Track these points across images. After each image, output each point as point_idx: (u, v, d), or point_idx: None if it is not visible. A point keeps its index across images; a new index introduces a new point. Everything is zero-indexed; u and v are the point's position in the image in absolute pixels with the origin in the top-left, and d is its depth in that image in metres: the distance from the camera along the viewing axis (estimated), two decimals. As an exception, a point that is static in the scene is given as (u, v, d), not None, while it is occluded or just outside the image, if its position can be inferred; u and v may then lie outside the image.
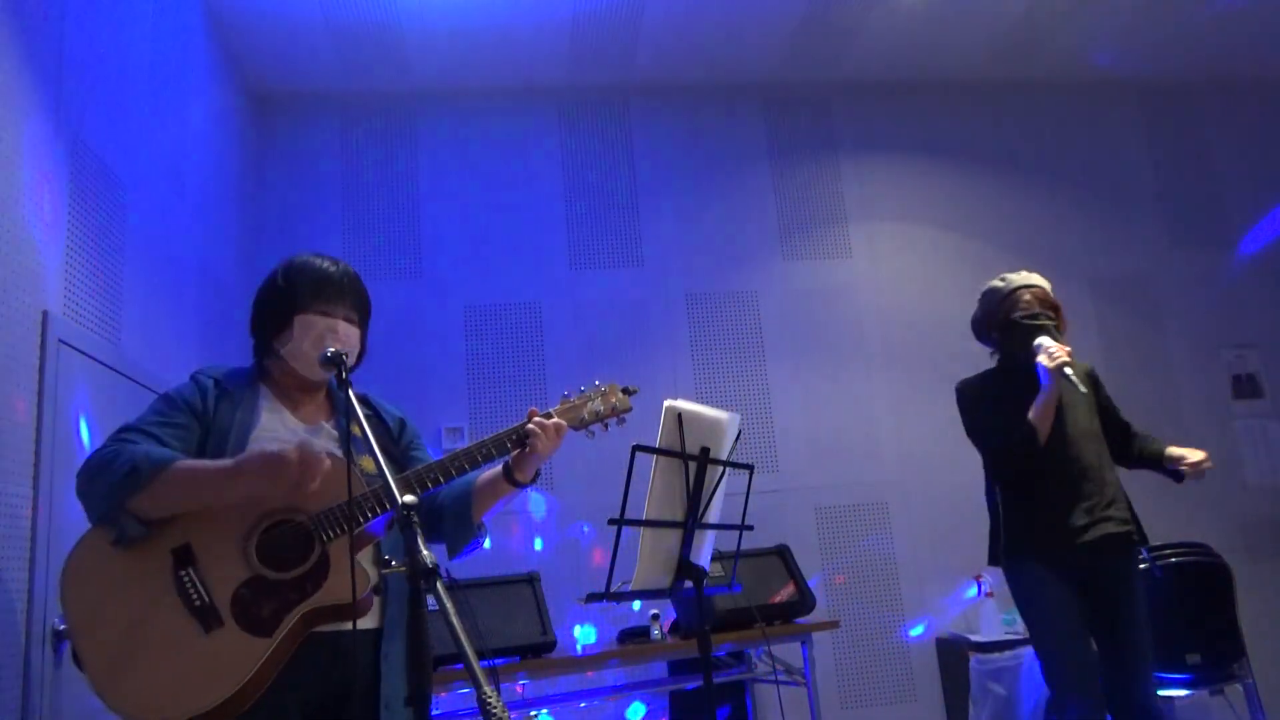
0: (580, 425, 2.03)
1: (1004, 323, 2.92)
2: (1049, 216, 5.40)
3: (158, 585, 1.73)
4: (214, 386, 1.93)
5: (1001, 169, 5.43)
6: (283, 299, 1.95)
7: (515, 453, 1.98)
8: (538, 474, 2.05)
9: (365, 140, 4.93)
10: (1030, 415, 2.77)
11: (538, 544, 4.55)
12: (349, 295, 1.99)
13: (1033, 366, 2.81)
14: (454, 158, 4.98)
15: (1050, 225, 5.38)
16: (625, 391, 2.08)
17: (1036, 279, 2.98)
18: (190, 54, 3.86)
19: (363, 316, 2.03)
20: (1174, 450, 2.86)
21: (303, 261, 1.99)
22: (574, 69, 4.96)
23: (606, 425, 2.07)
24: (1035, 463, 2.78)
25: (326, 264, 1.99)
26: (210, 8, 4.12)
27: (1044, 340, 2.79)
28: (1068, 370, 2.69)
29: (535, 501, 4.57)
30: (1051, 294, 2.97)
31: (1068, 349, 2.77)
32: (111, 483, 1.70)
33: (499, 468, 2.02)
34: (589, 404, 2.05)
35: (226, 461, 1.75)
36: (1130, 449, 2.98)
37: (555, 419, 1.98)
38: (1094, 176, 5.51)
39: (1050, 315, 2.89)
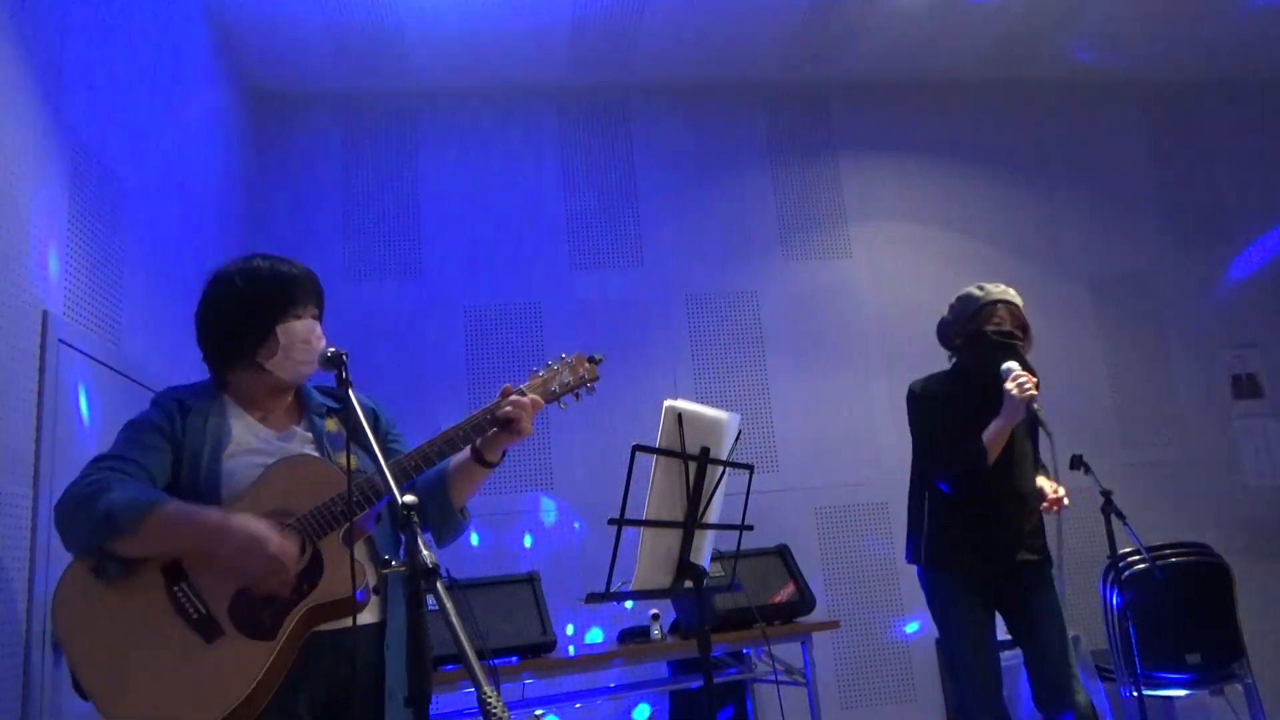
0: (551, 398, 2.05)
1: (974, 333, 2.90)
2: (1049, 216, 5.40)
3: (153, 604, 1.72)
4: (178, 407, 1.89)
5: (1001, 169, 5.43)
6: (258, 310, 1.91)
7: (491, 433, 1.97)
8: (504, 454, 2.04)
9: (365, 140, 4.93)
10: (985, 436, 2.78)
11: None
12: (313, 294, 1.99)
13: (991, 382, 2.80)
14: (454, 157, 4.97)
15: (1050, 225, 5.38)
16: (591, 360, 2.10)
17: (1013, 294, 2.95)
18: (190, 54, 3.86)
19: (321, 310, 2.03)
20: (1041, 482, 2.90)
21: (255, 267, 1.95)
22: (574, 69, 4.96)
23: (578, 395, 2.09)
24: (976, 482, 2.82)
25: (285, 266, 1.97)
26: (210, 8, 4.12)
27: (1014, 366, 2.77)
28: (1036, 405, 2.71)
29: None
30: (1023, 314, 2.95)
31: (1035, 379, 2.76)
32: (87, 527, 1.70)
33: (468, 452, 2.01)
34: (557, 377, 2.07)
35: (213, 516, 1.72)
36: None
37: (530, 395, 1.99)
38: (1094, 176, 5.51)
39: (1020, 336, 2.89)
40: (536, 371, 2.08)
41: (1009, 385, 2.74)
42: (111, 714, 1.64)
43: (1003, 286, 2.97)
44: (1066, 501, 2.80)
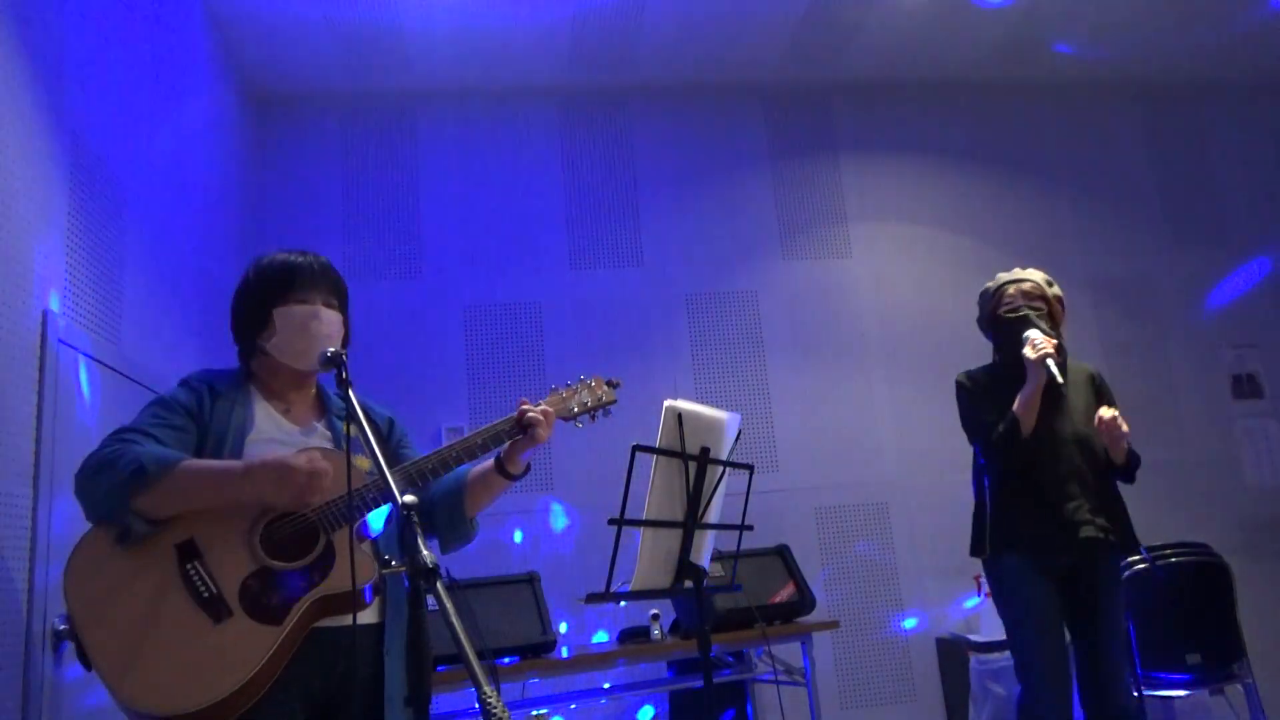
0: (569, 416, 2.13)
1: (993, 320, 2.99)
2: (1049, 217, 5.40)
3: (164, 579, 1.73)
4: (208, 391, 1.93)
5: (1001, 169, 5.43)
6: (258, 296, 1.97)
7: (509, 444, 2.03)
8: (528, 467, 2.09)
9: (365, 140, 4.93)
10: (1015, 407, 2.79)
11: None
12: (322, 281, 2.01)
13: (1022, 360, 2.82)
14: (454, 158, 4.97)
15: (1050, 226, 5.38)
16: (609, 384, 2.19)
17: (1028, 274, 3.01)
18: (190, 54, 3.86)
19: (341, 301, 2.05)
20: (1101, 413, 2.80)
21: (270, 257, 2.02)
22: (574, 69, 4.96)
23: (594, 416, 2.17)
24: (1021, 456, 2.80)
25: (294, 255, 2.01)
26: (210, 8, 4.12)
27: (1031, 333, 2.81)
28: (1049, 362, 2.71)
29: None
30: (1044, 286, 2.98)
31: (1054, 341, 2.79)
32: (115, 481, 1.71)
33: (490, 462, 2.06)
34: (576, 396, 2.14)
35: (236, 463, 1.77)
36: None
37: (544, 406, 2.06)
38: (1094, 176, 5.51)
39: (1037, 306, 2.91)
40: (557, 389, 2.15)
41: (1025, 349, 2.78)
42: (116, 686, 1.65)
43: (1019, 270, 3.04)
44: (1117, 423, 2.71)
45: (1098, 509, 2.79)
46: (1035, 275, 3.01)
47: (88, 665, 1.69)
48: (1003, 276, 3.03)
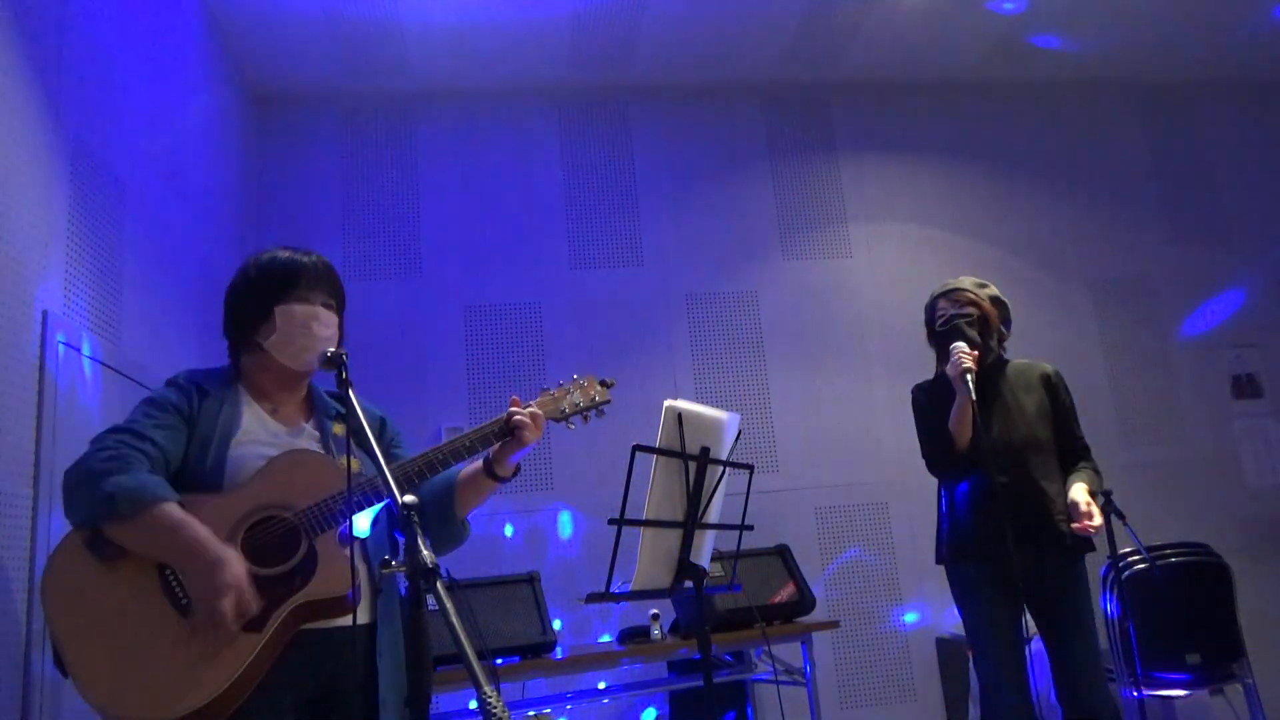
0: (560, 417, 2.10)
1: (932, 335, 3.04)
2: (1049, 217, 5.40)
3: (142, 585, 1.71)
4: (196, 391, 1.91)
5: (1001, 169, 5.43)
6: (259, 292, 1.95)
7: (497, 446, 2.01)
8: (518, 469, 2.07)
9: (365, 140, 4.93)
10: (949, 423, 2.83)
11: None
12: (323, 282, 1.99)
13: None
14: (454, 157, 4.97)
15: (1050, 225, 5.38)
16: (603, 384, 2.16)
17: (958, 282, 3.02)
18: (189, 53, 3.86)
19: (339, 304, 2.04)
20: (1075, 497, 2.74)
21: (272, 255, 2.00)
22: (574, 69, 4.96)
23: (586, 417, 2.14)
24: (958, 468, 2.85)
25: (298, 254, 2.00)
26: (210, 7, 4.12)
27: (956, 345, 2.83)
28: (968, 378, 2.72)
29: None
30: (975, 290, 2.98)
31: (974, 354, 2.79)
32: (88, 503, 1.70)
33: (479, 464, 2.04)
34: (568, 396, 2.11)
35: (196, 540, 1.69)
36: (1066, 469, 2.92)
37: (533, 408, 2.03)
38: (1094, 176, 5.51)
39: (967, 314, 2.92)
40: (548, 389, 2.12)
41: (948, 366, 2.81)
42: (89, 692, 1.63)
43: (951, 281, 3.05)
44: (1093, 526, 2.66)
45: (1040, 517, 2.79)
46: (964, 281, 3.02)
47: (64, 673, 1.67)
48: (936, 290, 3.05)
